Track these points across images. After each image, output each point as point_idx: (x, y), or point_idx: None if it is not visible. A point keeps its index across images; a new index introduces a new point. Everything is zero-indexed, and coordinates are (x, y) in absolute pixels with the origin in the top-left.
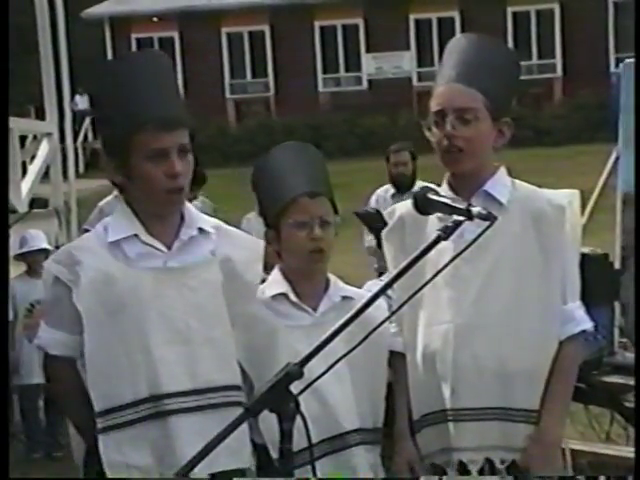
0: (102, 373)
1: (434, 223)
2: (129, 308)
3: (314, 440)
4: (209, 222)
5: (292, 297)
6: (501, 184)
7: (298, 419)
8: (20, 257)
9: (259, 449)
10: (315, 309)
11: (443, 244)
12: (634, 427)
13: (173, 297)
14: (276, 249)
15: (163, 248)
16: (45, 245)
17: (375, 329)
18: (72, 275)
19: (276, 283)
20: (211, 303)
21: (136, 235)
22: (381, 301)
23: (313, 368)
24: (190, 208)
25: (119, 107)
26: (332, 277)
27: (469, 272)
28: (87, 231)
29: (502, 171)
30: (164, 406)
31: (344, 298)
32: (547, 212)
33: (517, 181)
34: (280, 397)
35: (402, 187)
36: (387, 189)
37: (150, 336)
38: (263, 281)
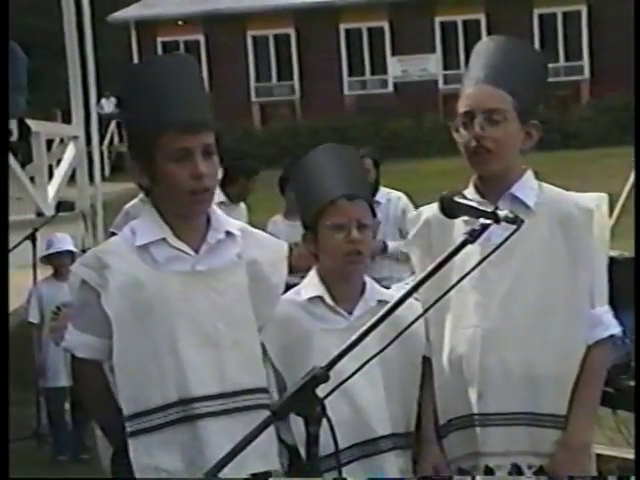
0: (131, 377)
1: (460, 226)
2: (157, 312)
3: (345, 444)
4: (235, 225)
5: (328, 300)
6: (528, 187)
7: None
8: (46, 260)
9: (290, 450)
10: (351, 312)
11: (470, 247)
12: (634, 428)
13: (201, 300)
14: (313, 251)
15: (191, 252)
16: (71, 247)
17: (403, 331)
18: (101, 279)
19: (312, 286)
20: (238, 306)
21: (164, 239)
22: (414, 302)
23: (346, 371)
24: (216, 211)
25: (145, 109)
26: (369, 280)
27: (496, 276)
28: (114, 234)
29: (529, 174)
30: (193, 410)
31: (380, 302)
32: (575, 215)
33: (544, 184)
34: (306, 401)
35: None
36: None
37: (179, 339)
38: (287, 288)
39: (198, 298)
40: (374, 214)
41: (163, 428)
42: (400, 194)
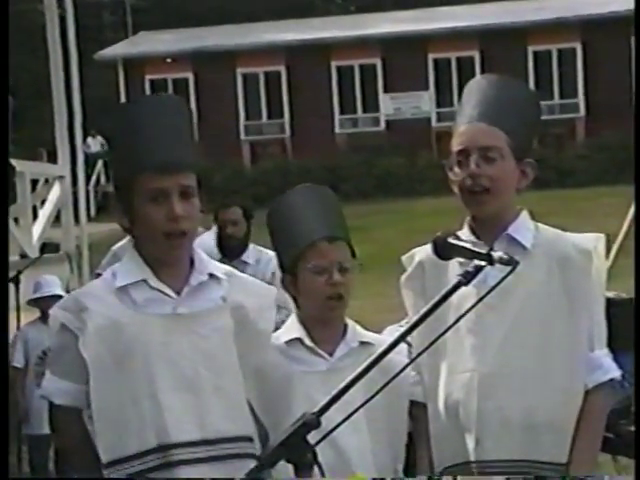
0: (109, 423)
1: (455, 268)
2: (136, 355)
3: None
4: (220, 268)
5: (307, 342)
6: (524, 228)
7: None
8: (34, 303)
9: None
10: (331, 354)
11: (466, 290)
12: (634, 433)
13: (182, 344)
14: (293, 294)
15: (172, 294)
16: (59, 291)
17: (395, 376)
18: (79, 322)
19: (291, 329)
20: (221, 351)
21: (144, 280)
22: (402, 346)
23: (330, 415)
24: (200, 254)
25: (125, 149)
26: (350, 322)
27: (493, 319)
28: (100, 276)
29: (525, 214)
30: (173, 456)
31: (362, 343)
32: (573, 257)
33: (540, 224)
34: (297, 447)
35: (231, 252)
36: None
37: (158, 384)
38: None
39: (179, 342)
40: (354, 256)
41: (141, 475)
42: (272, 254)
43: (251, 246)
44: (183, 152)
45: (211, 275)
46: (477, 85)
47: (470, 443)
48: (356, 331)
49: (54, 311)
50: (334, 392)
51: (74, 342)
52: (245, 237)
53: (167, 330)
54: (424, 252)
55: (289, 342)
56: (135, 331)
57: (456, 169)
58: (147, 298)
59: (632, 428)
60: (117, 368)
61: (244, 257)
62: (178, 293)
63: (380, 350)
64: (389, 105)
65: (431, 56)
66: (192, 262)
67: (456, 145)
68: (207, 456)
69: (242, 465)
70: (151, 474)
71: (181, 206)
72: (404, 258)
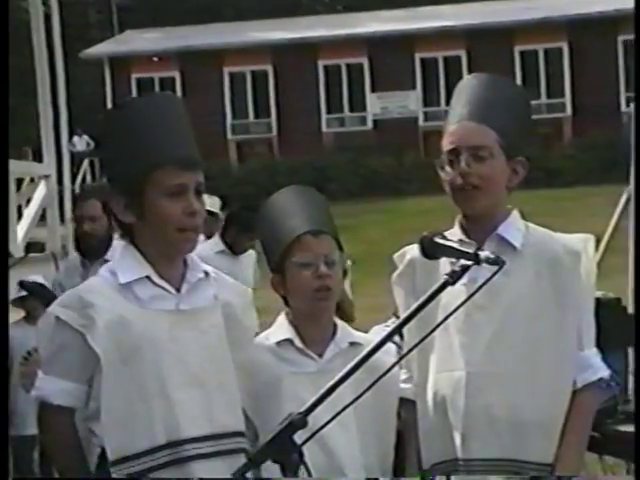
0: (118, 420)
1: (446, 267)
2: (144, 351)
3: None
4: (209, 268)
5: (297, 343)
6: (515, 228)
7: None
8: (18, 303)
9: None
10: (321, 355)
11: (456, 289)
12: (634, 433)
13: (187, 340)
14: (282, 293)
15: (173, 290)
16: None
17: (383, 375)
18: (85, 319)
19: (281, 329)
20: (219, 347)
21: (147, 277)
22: (390, 346)
23: (320, 416)
24: (191, 255)
25: (136, 146)
26: (340, 322)
27: (482, 318)
28: None
29: (515, 214)
30: (183, 452)
31: (352, 344)
32: (562, 258)
33: (531, 225)
34: (283, 447)
35: (90, 252)
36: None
37: (167, 380)
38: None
39: (184, 337)
40: (341, 249)
41: (151, 472)
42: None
43: (115, 243)
44: (196, 149)
45: (205, 273)
46: (467, 84)
47: (457, 441)
48: (346, 331)
49: (53, 309)
50: (321, 392)
51: (78, 340)
52: (107, 234)
53: (172, 326)
54: (415, 250)
55: (279, 343)
56: (142, 327)
57: (447, 168)
58: (151, 295)
59: (618, 428)
60: (125, 364)
61: (108, 257)
62: (178, 290)
63: (367, 349)
64: (376, 104)
65: (418, 55)
66: (185, 262)
67: (446, 144)
68: (215, 450)
69: (242, 460)
70: (161, 470)
71: (196, 202)
72: (396, 256)
